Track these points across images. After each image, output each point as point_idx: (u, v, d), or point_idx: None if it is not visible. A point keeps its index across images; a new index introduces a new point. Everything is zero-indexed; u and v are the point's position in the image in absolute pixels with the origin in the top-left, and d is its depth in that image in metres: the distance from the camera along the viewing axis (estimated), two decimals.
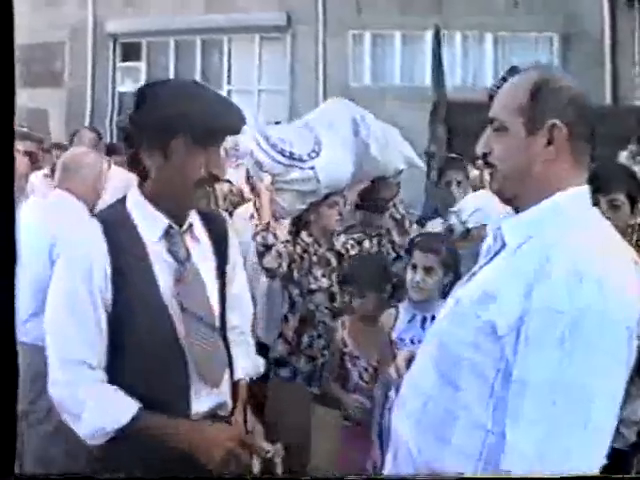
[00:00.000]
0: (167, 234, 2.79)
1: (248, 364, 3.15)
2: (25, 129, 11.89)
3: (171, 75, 16.77)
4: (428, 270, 4.00)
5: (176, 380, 2.77)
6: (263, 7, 15.91)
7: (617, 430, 2.16)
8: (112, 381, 2.70)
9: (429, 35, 13.28)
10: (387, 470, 2.40)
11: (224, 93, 16.59)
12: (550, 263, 2.01)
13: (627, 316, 2.00)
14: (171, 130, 2.67)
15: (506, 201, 2.29)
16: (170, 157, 2.69)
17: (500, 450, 2.03)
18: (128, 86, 16.74)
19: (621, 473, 2.43)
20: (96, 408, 2.60)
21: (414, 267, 4.06)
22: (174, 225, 2.80)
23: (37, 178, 7.89)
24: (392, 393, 2.62)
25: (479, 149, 2.31)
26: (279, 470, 2.99)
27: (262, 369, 3.29)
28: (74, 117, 15.24)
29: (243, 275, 3.18)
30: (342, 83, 15.67)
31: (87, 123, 15.30)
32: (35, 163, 8.52)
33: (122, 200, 2.87)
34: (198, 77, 16.86)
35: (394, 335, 4.08)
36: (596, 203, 3.66)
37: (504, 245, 2.20)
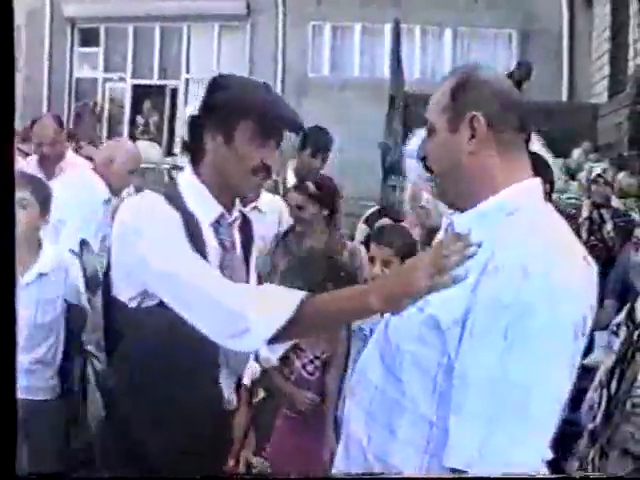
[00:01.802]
0: (217, 221, 2.81)
1: (250, 372, 3.21)
2: None
3: (129, 62, 16.65)
4: (386, 263, 4.02)
5: (208, 365, 2.77)
6: None
7: None
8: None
9: (388, 28, 13.32)
10: (338, 461, 2.40)
11: (183, 82, 16.55)
12: (495, 258, 1.99)
13: (573, 312, 1.99)
14: (241, 114, 2.71)
15: (450, 205, 2.30)
16: (232, 141, 2.72)
17: (445, 444, 2.03)
18: (86, 72, 16.63)
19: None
20: (260, 309, 2.48)
21: (372, 260, 4.09)
22: (226, 213, 2.82)
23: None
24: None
25: (418, 154, 2.33)
26: None
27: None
28: (31, 103, 15.07)
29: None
30: (301, 73, 15.69)
31: (44, 109, 15.17)
32: None
33: (173, 182, 2.96)
34: (156, 64, 16.80)
35: (354, 326, 4.09)
36: None
37: None
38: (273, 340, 2.45)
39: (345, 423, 2.38)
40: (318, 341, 4.30)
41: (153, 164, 6.72)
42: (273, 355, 2.65)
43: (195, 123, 2.81)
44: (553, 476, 2.02)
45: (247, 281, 2.94)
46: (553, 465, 2.09)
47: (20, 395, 4.45)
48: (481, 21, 15.01)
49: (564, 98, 14.73)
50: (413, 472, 2.11)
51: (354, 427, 2.29)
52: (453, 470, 1.99)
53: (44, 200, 4.39)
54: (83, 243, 4.75)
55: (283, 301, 2.45)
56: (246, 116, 2.71)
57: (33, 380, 4.33)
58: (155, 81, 16.86)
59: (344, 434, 2.37)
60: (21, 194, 4.23)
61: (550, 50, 14.68)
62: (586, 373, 3.77)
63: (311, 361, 4.35)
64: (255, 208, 5.00)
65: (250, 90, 2.81)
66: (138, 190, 6.49)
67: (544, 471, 2.04)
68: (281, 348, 2.59)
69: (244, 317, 2.43)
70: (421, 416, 2.09)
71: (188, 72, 16.80)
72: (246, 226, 3.02)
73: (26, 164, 7.03)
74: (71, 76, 16.58)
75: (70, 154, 7.00)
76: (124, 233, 2.78)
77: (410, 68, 13.41)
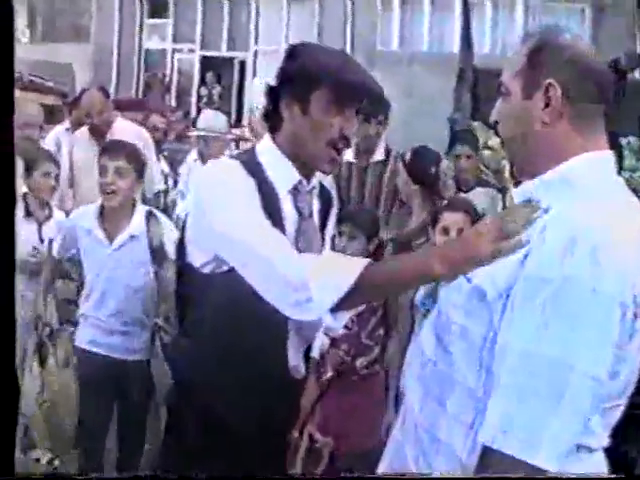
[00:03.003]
0: (295, 188, 2.82)
1: (318, 345, 3.24)
2: (50, 83, 11.95)
3: (198, 34, 16.69)
4: (460, 232, 3.97)
5: (277, 331, 2.80)
6: None
7: None
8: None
9: (458, 2, 13.18)
10: (395, 430, 2.39)
11: (251, 54, 16.55)
12: (547, 231, 1.93)
13: (621, 291, 1.89)
14: (315, 82, 2.69)
15: (520, 171, 2.24)
16: (308, 110, 2.71)
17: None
18: (155, 43, 16.71)
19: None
20: (323, 278, 2.46)
21: (445, 230, 4.05)
22: (304, 180, 2.83)
23: (58, 132, 7.96)
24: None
25: (492, 118, 2.26)
26: None
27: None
28: (100, 73, 15.22)
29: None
30: (370, 46, 15.59)
31: (114, 79, 15.30)
32: (56, 116, 8.59)
33: (250, 150, 2.94)
34: (225, 36, 16.81)
35: (416, 298, 4.07)
36: None
37: None
38: (336, 308, 2.44)
39: (403, 393, 2.37)
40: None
41: (218, 133, 6.74)
42: (337, 323, 2.63)
43: (272, 92, 2.81)
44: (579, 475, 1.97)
45: (322, 248, 2.94)
46: (614, 454, 2.04)
47: (115, 354, 4.63)
48: None
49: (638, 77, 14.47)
50: (459, 447, 2.07)
51: (409, 398, 2.27)
52: (484, 446, 1.94)
53: (140, 167, 4.57)
54: (150, 214, 4.79)
55: (345, 269, 2.42)
56: (320, 84, 2.68)
57: (128, 342, 4.54)
58: (223, 53, 16.89)
59: (402, 404, 2.36)
60: (117, 163, 4.40)
61: (623, 27, 14.40)
62: None
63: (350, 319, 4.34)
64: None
65: (325, 58, 2.78)
66: (202, 156, 6.56)
67: (589, 460, 1.99)
68: (345, 316, 2.58)
69: (306, 286, 2.41)
70: (469, 390, 2.05)
71: (257, 44, 16.78)
72: (325, 195, 3.02)
73: (79, 135, 7.14)
74: (140, 46, 16.67)
75: (119, 121, 7.08)
76: (199, 198, 2.83)
77: (480, 42, 13.24)
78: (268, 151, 2.84)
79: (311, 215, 2.89)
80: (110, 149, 4.60)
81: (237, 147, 8.20)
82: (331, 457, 3.94)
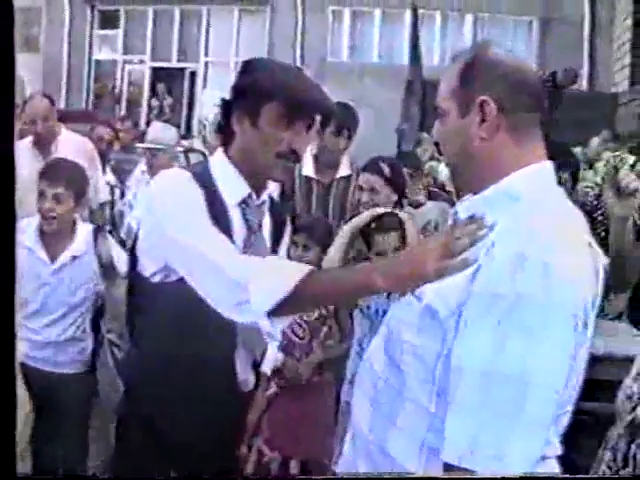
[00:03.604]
0: (244, 202, 2.84)
1: (271, 359, 3.26)
2: None
3: (148, 45, 16.66)
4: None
5: (225, 343, 2.82)
6: None
7: None
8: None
9: (408, 14, 13.27)
10: (346, 449, 2.39)
11: (202, 65, 16.54)
12: (495, 247, 1.93)
13: (574, 303, 1.92)
14: (265, 96, 2.72)
15: (463, 188, 2.25)
16: (258, 123, 2.74)
17: (443, 437, 1.99)
18: (105, 54, 16.65)
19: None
20: (262, 281, 2.49)
21: (379, 254, 4.10)
22: (253, 194, 2.85)
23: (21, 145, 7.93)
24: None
25: (434, 139, 2.29)
26: None
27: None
28: (50, 83, 15.12)
29: None
30: (320, 58, 15.65)
31: (63, 90, 15.22)
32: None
33: (203, 162, 3.09)
34: (175, 48, 16.80)
35: (360, 301, 4.10)
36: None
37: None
38: (274, 313, 2.45)
39: (352, 410, 2.37)
40: None
41: (167, 145, 6.73)
42: (274, 329, 2.65)
43: (225, 106, 2.85)
44: (550, 474, 1.99)
45: None
46: (565, 460, 2.06)
47: (48, 368, 4.58)
48: (501, 8, 14.92)
49: (584, 87, 14.64)
50: (411, 464, 2.08)
51: (358, 415, 2.28)
52: (446, 464, 1.95)
53: (79, 191, 4.51)
54: (97, 229, 4.80)
55: (286, 274, 2.44)
56: (271, 98, 2.71)
57: (62, 355, 4.50)
58: (174, 64, 16.87)
59: (351, 421, 2.36)
60: (56, 190, 4.39)
61: (571, 38, 14.58)
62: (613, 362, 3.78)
63: (299, 325, 4.35)
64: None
65: (277, 73, 2.82)
66: (150, 168, 6.54)
67: (545, 468, 2.01)
68: (283, 322, 2.60)
69: (245, 288, 2.43)
70: (420, 407, 2.05)
71: (207, 55, 16.77)
72: (276, 209, 3.04)
73: (21, 146, 7.08)
74: (90, 58, 16.60)
75: (64, 133, 7.03)
76: (150, 207, 2.86)
77: (429, 54, 13.36)
78: (219, 164, 2.87)
79: (260, 228, 2.91)
80: (48, 175, 4.56)
81: (186, 158, 8.17)
82: (284, 465, 3.96)
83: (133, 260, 2.88)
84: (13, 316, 1.96)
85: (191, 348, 2.75)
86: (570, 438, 2.12)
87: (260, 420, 3.78)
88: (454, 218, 2.20)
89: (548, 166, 2.12)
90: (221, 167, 2.87)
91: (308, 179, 5.53)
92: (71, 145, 6.79)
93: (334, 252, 4.22)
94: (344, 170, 5.57)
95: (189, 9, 16.64)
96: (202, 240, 2.65)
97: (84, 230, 4.59)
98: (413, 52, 10.38)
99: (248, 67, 2.86)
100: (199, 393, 2.80)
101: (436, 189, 6.67)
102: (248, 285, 2.44)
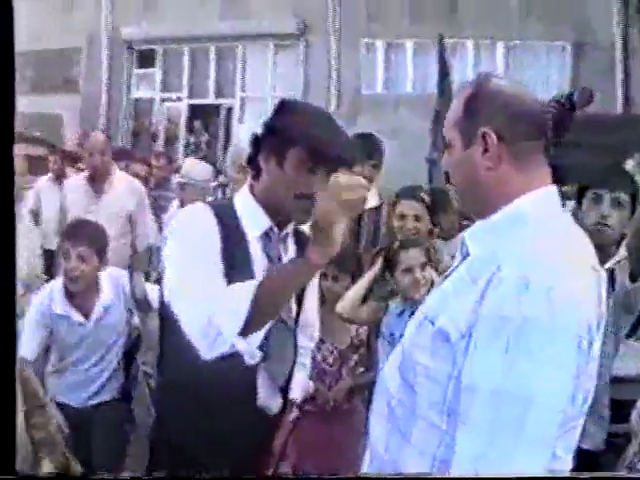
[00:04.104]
0: (266, 234, 2.96)
1: (301, 387, 3.33)
2: (38, 134, 12.06)
3: (185, 82, 16.85)
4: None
5: (246, 369, 2.91)
6: (277, 15, 15.99)
7: (585, 430, 2.19)
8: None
9: None
10: (365, 465, 2.45)
11: (237, 101, 16.70)
12: (501, 271, 2.01)
13: (577, 325, 1.99)
14: (292, 140, 2.85)
15: (472, 214, 2.33)
16: (283, 165, 2.86)
17: (454, 451, 2.06)
18: (143, 92, 16.85)
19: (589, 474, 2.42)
20: (225, 311, 2.68)
21: (408, 270, 4.15)
22: (274, 228, 2.97)
23: (42, 182, 8.10)
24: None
25: (443, 169, 2.38)
26: None
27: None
28: (88, 122, 15.32)
29: (315, 299, 3.34)
30: (355, 91, 15.73)
31: (101, 128, 15.39)
32: (44, 167, 8.73)
33: (229, 198, 3.19)
34: (212, 84, 16.98)
35: (384, 329, 4.14)
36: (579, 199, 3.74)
37: (468, 254, 2.22)
38: (244, 332, 2.66)
39: (370, 432, 2.43)
40: (336, 332, 4.38)
41: (200, 181, 6.85)
42: (251, 347, 2.79)
43: (255, 142, 2.97)
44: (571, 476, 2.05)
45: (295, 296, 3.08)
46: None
47: (87, 402, 4.71)
48: (533, 34, 14.92)
49: (619, 110, 14.58)
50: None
51: (374, 435, 2.34)
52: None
53: (101, 249, 4.72)
54: (130, 265, 4.99)
55: (241, 294, 2.65)
56: (297, 143, 2.84)
57: (100, 387, 4.77)
58: (211, 100, 17.03)
59: (369, 443, 2.42)
60: (79, 249, 4.56)
61: (604, 62, 14.55)
62: (630, 383, 3.79)
63: (331, 352, 4.40)
64: None
65: (306, 118, 2.93)
66: (182, 204, 6.64)
67: None
68: (258, 337, 2.75)
69: (214, 325, 2.65)
70: (432, 425, 2.13)
71: (243, 91, 16.92)
72: (302, 240, 3.12)
73: (75, 181, 7.26)
74: (128, 96, 16.81)
75: (118, 172, 7.21)
76: (167, 239, 3.01)
77: (462, 82, 13.32)
78: (243, 198, 3.00)
79: (280, 260, 3.00)
80: (72, 234, 4.75)
81: (223, 194, 8.28)
82: None
83: (161, 293, 3.00)
84: (14, 318, 2.04)
85: (211, 375, 2.83)
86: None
87: (285, 445, 3.84)
88: (461, 243, 2.28)
89: (553, 190, 2.20)
90: (244, 201, 2.99)
91: None
92: (124, 184, 6.96)
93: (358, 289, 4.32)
94: (373, 201, 5.53)
95: (224, 46, 16.80)
96: (191, 273, 2.78)
97: (107, 278, 4.75)
98: (441, 83, 10.40)
99: (281, 108, 2.99)
100: (222, 418, 2.89)
101: (466, 222, 6.70)
102: (215, 321, 2.63)
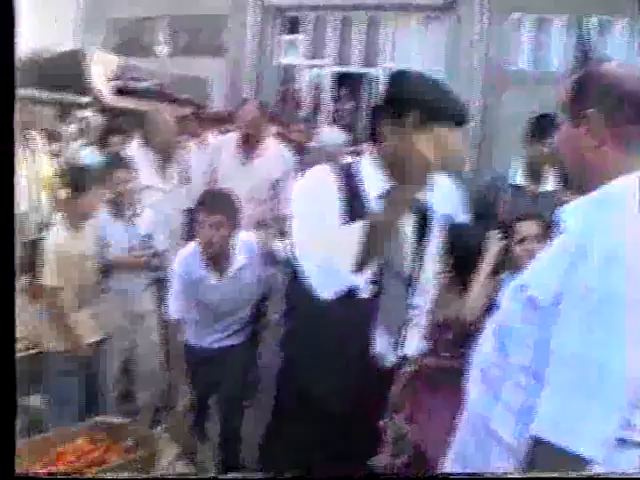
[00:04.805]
0: (387, 194, 3.20)
1: (415, 344, 3.48)
2: (186, 96, 12.39)
3: (330, 50, 16.94)
4: (538, 238, 4.15)
5: (364, 320, 3.19)
6: None
7: None
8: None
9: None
10: (459, 429, 2.56)
11: (382, 71, 16.71)
12: (592, 245, 2.13)
13: None
14: (407, 105, 3.12)
15: (576, 188, 2.41)
16: (402, 130, 3.13)
17: (535, 410, 2.17)
18: (289, 59, 17.02)
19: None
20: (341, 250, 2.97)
21: (522, 240, 4.19)
22: (396, 187, 3.21)
23: (190, 142, 8.33)
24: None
25: (554, 146, 2.46)
26: None
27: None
28: (234, 87, 15.60)
29: (434, 262, 3.48)
30: (500, 67, 15.54)
31: (248, 94, 15.63)
32: (192, 127, 8.96)
33: (355, 162, 3.44)
34: (358, 53, 17.02)
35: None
36: None
37: (564, 229, 2.31)
38: (359, 269, 2.94)
39: (467, 392, 2.54)
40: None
41: (335, 146, 6.98)
42: (362, 280, 2.98)
43: (375, 112, 3.29)
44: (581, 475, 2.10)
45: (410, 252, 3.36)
46: None
47: (223, 344, 5.08)
48: None
49: None
50: (509, 436, 2.25)
51: (471, 395, 2.45)
52: (536, 438, 2.12)
53: (233, 216, 5.08)
54: (258, 223, 5.22)
55: (353, 232, 2.98)
56: (410, 108, 3.12)
57: (227, 332, 5.25)
58: (356, 68, 17.08)
59: (467, 403, 2.53)
60: (214, 217, 4.78)
61: None
62: None
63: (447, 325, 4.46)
64: None
65: (423, 82, 3.22)
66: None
67: (627, 452, 2.13)
68: (367, 271, 2.94)
69: (330, 264, 2.96)
70: (519, 384, 2.23)
71: (390, 61, 16.89)
72: (422, 208, 3.29)
73: (225, 143, 7.44)
74: (274, 62, 16.98)
75: (270, 139, 7.36)
76: (294, 197, 3.41)
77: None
78: (366, 160, 3.29)
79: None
80: (206, 203, 4.95)
81: None
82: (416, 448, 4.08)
83: (288, 248, 3.22)
84: (13, 316, 2.12)
85: (331, 322, 3.02)
86: None
87: (402, 397, 3.91)
88: (559, 218, 2.35)
89: None
90: (367, 163, 3.29)
91: (515, 187, 5.51)
92: (274, 151, 7.14)
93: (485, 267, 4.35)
94: (550, 184, 5.77)
95: (373, 15, 16.80)
96: (312, 225, 2.96)
97: (240, 241, 4.96)
98: (582, 62, 10.22)
99: (395, 78, 3.30)
100: (341, 364, 3.07)
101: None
102: (328, 259, 2.83)
